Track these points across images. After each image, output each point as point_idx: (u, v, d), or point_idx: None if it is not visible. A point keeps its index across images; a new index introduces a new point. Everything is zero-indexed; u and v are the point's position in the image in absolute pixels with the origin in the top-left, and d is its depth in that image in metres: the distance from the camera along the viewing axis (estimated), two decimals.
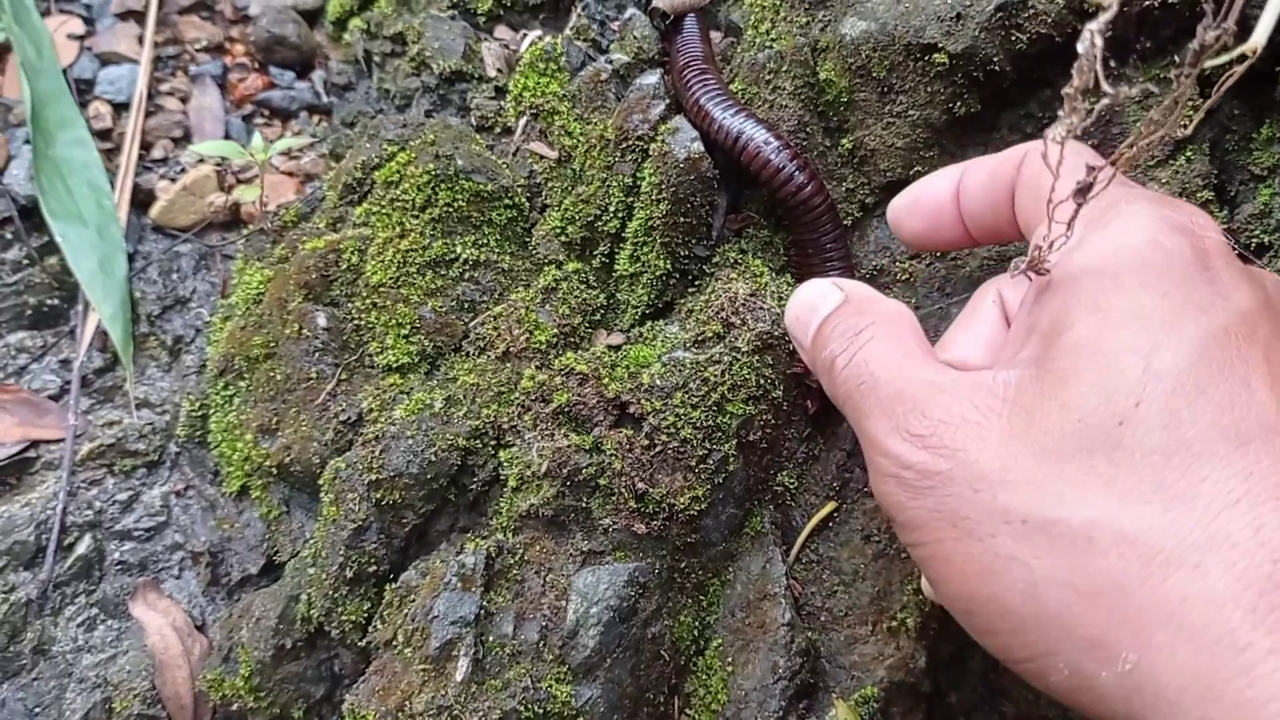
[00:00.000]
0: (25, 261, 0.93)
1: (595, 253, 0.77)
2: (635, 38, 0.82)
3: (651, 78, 0.77)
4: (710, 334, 0.68)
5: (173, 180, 1.00)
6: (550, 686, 0.63)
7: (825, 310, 0.54)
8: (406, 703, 0.63)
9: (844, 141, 0.75)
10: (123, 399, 0.90)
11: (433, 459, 0.69)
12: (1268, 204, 0.62)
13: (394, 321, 0.76)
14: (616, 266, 0.77)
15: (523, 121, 0.83)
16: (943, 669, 0.69)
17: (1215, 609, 0.34)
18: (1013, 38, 0.65)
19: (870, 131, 0.73)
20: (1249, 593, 0.34)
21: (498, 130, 0.85)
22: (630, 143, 0.74)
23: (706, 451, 0.66)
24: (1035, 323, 0.45)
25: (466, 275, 0.78)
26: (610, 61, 0.81)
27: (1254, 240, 0.63)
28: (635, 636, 0.65)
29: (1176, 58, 0.40)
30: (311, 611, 0.71)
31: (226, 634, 0.75)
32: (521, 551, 0.67)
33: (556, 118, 0.80)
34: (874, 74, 0.71)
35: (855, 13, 0.71)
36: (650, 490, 0.65)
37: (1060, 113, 0.38)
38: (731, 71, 0.79)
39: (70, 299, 0.93)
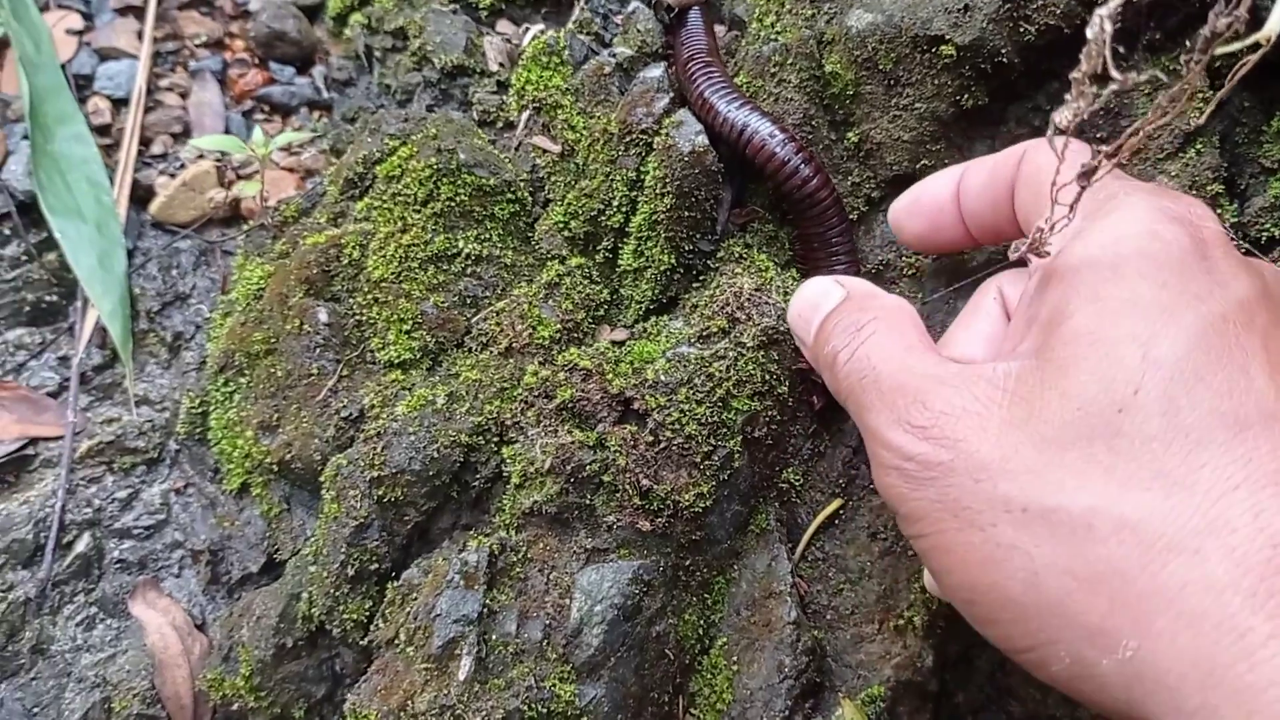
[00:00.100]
0: (24, 258, 0.92)
1: (599, 247, 0.77)
2: (638, 31, 0.82)
3: (655, 71, 0.76)
4: (715, 329, 0.68)
5: (172, 176, 0.99)
6: (554, 686, 0.62)
7: (827, 307, 0.55)
8: (409, 702, 0.62)
9: (850, 135, 0.74)
10: (122, 396, 0.90)
11: (435, 456, 0.68)
12: (1278, 197, 0.62)
13: (396, 317, 0.75)
14: (620, 261, 0.76)
15: (525, 115, 0.82)
16: (950, 668, 0.69)
17: (1215, 594, 0.35)
18: (1021, 29, 0.65)
19: (876, 125, 0.72)
20: (1248, 578, 0.34)
21: (500, 125, 0.85)
22: (634, 136, 0.73)
23: (711, 448, 0.65)
24: (1035, 314, 0.45)
25: (469, 270, 0.77)
26: (613, 55, 0.80)
27: (1264, 234, 0.62)
28: (639, 635, 0.64)
29: (1187, 43, 0.40)
30: (313, 610, 0.71)
31: (227, 633, 0.75)
32: (525, 549, 0.66)
33: (559, 111, 0.80)
34: (880, 66, 0.70)
35: (861, 4, 0.71)
36: (655, 487, 0.64)
37: (1067, 96, 0.37)
38: (736, 64, 0.78)
39: (69, 295, 0.93)
